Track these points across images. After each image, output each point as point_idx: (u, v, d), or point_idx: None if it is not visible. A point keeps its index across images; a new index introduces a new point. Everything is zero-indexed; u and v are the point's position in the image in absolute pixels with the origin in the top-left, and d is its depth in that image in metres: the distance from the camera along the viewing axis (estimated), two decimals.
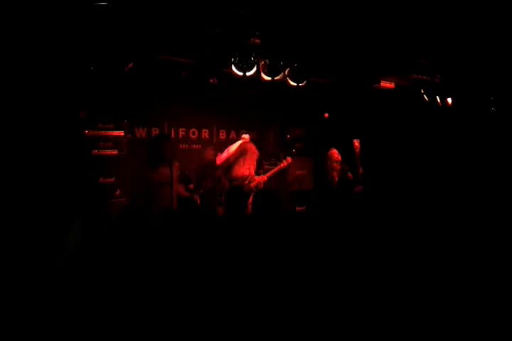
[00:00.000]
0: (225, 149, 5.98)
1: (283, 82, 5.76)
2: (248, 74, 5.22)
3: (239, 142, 5.94)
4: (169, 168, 5.06)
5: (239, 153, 5.93)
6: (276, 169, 6.19)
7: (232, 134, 7.25)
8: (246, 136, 6.01)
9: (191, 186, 5.42)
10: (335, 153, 6.40)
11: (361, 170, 6.40)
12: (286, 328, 2.67)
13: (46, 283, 3.00)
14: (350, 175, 6.35)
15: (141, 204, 5.24)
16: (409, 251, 3.65)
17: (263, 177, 6.01)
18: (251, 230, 3.32)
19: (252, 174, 5.93)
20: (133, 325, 2.56)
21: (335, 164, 6.31)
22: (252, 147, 6.06)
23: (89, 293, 2.68)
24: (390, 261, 3.40)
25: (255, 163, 6.08)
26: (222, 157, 5.85)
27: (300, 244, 3.23)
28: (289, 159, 6.27)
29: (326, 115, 7.30)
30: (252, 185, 5.90)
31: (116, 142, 5.51)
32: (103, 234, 3.41)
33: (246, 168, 5.90)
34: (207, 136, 7.00)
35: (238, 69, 5.19)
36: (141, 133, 6.32)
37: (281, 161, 6.27)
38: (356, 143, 6.40)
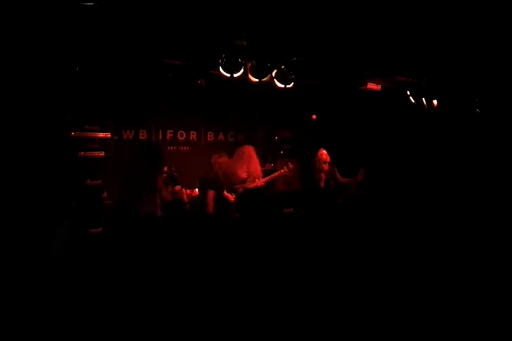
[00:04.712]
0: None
1: (270, 84, 5.76)
2: (235, 75, 5.22)
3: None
4: (156, 176, 4.96)
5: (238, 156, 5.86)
6: (275, 174, 6.06)
7: (221, 136, 7.25)
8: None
9: (177, 188, 5.32)
10: (323, 154, 6.36)
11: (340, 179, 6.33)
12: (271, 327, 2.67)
13: (35, 283, 2.98)
14: (338, 176, 6.32)
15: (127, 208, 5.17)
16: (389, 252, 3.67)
17: (260, 182, 5.84)
18: (238, 230, 3.32)
19: (251, 177, 5.75)
20: (124, 323, 2.55)
21: (323, 165, 6.26)
22: (251, 150, 5.97)
23: (78, 292, 2.67)
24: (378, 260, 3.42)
25: (256, 165, 5.93)
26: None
27: (286, 243, 3.24)
28: (291, 165, 6.11)
29: (314, 117, 7.33)
30: (251, 186, 5.72)
31: (103, 144, 5.47)
32: (91, 235, 3.39)
33: (244, 171, 5.80)
34: (195, 138, 6.99)
35: (225, 70, 5.19)
36: (128, 135, 6.27)
37: (275, 165, 6.15)
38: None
